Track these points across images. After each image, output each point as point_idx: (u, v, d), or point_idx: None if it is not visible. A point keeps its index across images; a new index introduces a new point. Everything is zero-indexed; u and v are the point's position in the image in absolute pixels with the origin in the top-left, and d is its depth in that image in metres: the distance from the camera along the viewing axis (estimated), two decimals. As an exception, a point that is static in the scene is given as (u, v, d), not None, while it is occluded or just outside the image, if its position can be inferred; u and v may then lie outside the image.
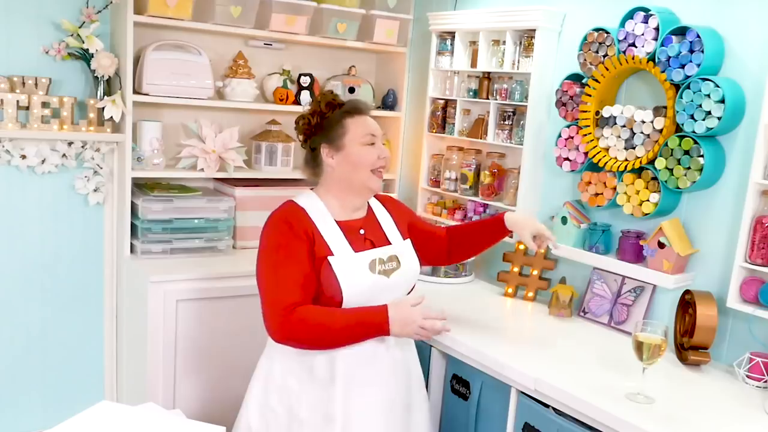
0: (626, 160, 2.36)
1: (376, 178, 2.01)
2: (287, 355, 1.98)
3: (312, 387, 1.95)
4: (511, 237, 2.27)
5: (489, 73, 2.93)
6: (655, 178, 2.32)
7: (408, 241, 2.13)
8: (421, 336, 1.90)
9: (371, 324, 1.88)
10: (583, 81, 2.53)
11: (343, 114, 2.01)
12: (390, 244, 2.07)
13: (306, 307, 1.87)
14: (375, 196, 2.17)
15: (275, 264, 1.91)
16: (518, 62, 2.79)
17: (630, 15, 2.34)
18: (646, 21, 2.28)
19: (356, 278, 1.94)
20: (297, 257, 1.91)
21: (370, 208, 2.12)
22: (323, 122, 2.02)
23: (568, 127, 2.56)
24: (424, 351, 2.33)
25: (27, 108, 2.71)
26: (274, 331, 1.87)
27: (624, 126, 2.38)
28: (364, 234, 2.04)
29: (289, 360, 1.98)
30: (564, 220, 2.59)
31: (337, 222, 2.00)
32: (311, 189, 2.09)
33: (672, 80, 2.21)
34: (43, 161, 2.84)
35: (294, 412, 1.96)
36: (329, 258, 1.92)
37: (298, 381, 1.96)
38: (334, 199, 2.03)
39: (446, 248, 2.27)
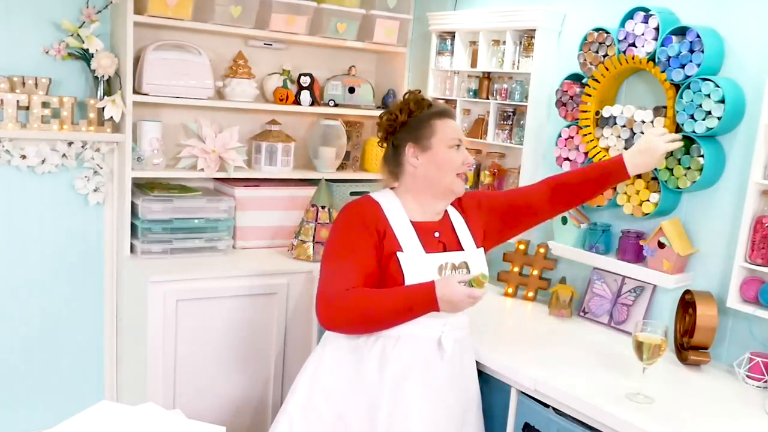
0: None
1: (460, 181, 1.99)
2: (338, 355, 1.98)
3: (361, 389, 1.93)
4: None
5: (489, 73, 2.93)
6: (655, 178, 2.32)
7: (481, 249, 2.07)
8: (467, 307, 1.88)
9: (420, 304, 1.85)
10: (583, 81, 2.53)
11: (431, 115, 1.99)
12: (462, 250, 2.03)
13: (354, 290, 1.86)
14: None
15: (336, 254, 1.92)
16: (518, 62, 2.79)
17: (630, 15, 2.34)
18: (646, 21, 2.28)
19: (423, 278, 1.89)
20: (360, 250, 1.90)
21: (446, 212, 2.08)
22: (410, 120, 2.00)
23: (568, 127, 2.56)
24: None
25: (27, 108, 2.71)
26: (321, 316, 1.88)
27: (624, 126, 2.38)
28: (438, 237, 2.01)
29: (339, 361, 1.97)
30: (564, 220, 2.59)
31: (412, 222, 1.98)
32: (390, 188, 2.06)
33: (672, 80, 2.21)
34: (43, 161, 2.84)
35: (341, 413, 1.94)
36: (398, 254, 1.90)
37: (347, 383, 1.95)
38: (412, 201, 2.01)
39: (546, 202, 2.17)
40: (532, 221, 2.23)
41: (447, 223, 2.06)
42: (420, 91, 2.06)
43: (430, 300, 1.83)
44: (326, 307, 1.88)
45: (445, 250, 2.00)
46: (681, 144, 2.16)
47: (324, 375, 1.99)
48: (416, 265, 1.91)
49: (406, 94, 2.05)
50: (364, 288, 1.88)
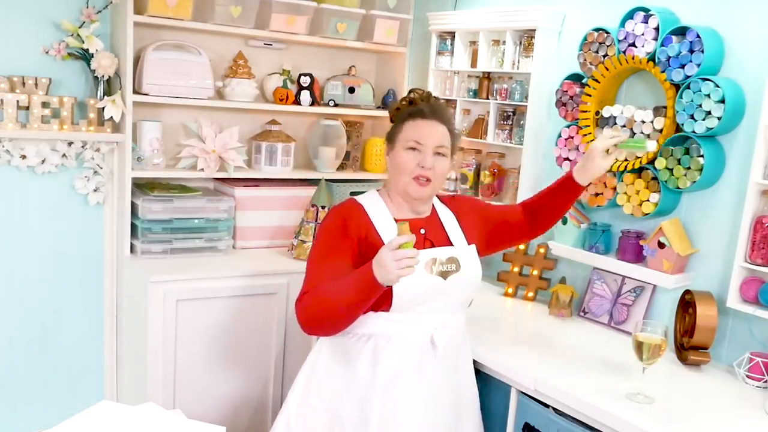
0: (626, 160, 2.36)
1: (416, 186, 1.95)
2: (332, 354, 1.98)
3: (353, 388, 1.93)
4: (587, 189, 2.15)
5: (489, 73, 2.93)
6: (655, 178, 2.32)
7: (473, 246, 2.04)
8: (402, 272, 1.73)
9: (360, 279, 1.79)
10: (583, 81, 2.53)
11: (406, 115, 1.99)
12: (452, 245, 2.01)
13: (310, 292, 1.87)
14: (440, 199, 2.13)
15: (314, 257, 1.94)
16: (518, 62, 2.79)
17: (630, 15, 2.34)
18: (646, 21, 2.28)
19: (410, 276, 1.80)
20: (336, 254, 1.90)
21: (434, 209, 2.08)
22: (394, 118, 2.04)
23: (568, 127, 2.56)
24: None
25: (27, 108, 2.71)
26: (297, 319, 1.91)
27: (624, 126, 2.37)
28: (424, 234, 2.00)
29: (334, 359, 1.97)
30: (564, 220, 2.59)
31: (396, 220, 1.97)
32: (377, 189, 2.08)
33: (672, 80, 2.21)
34: (43, 161, 2.84)
35: (336, 412, 1.95)
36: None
37: (341, 381, 1.95)
38: (391, 199, 2.02)
39: (525, 224, 2.19)
40: (513, 241, 2.28)
41: (434, 220, 2.05)
42: (422, 91, 2.04)
43: (368, 273, 1.76)
44: (296, 310, 1.91)
45: (432, 246, 1.99)
46: (621, 138, 2.05)
47: (319, 373, 2.00)
48: None
49: (410, 90, 2.07)
50: (321, 287, 1.87)
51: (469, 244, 2.05)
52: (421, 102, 2.01)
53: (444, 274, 1.93)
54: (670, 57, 2.21)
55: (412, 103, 2.02)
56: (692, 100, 2.15)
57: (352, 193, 3.21)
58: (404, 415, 1.92)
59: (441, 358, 1.96)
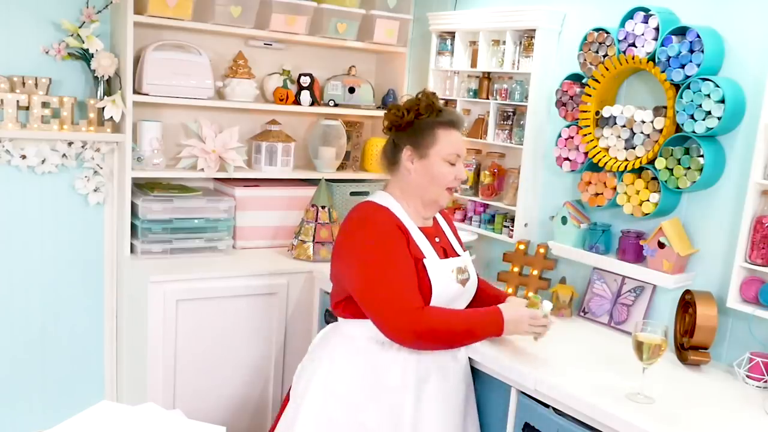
0: (626, 160, 2.36)
1: (448, 195, 2.02)
2: (355, 363, 1.96)
3: (381, 394, 1.93)
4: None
5: (489, 73, 2.93)
6: (655, 178, 2.32)
7: (468, 252, 2.15)
8: (535, 331, 1.99)
9: (490, 327, 1.93)
10: (583, 81, 2.52)
11: (437, 123, 1.97)
12: (457, 255, 2.09)
13: (430, 309, 1.89)
14: None
15: (388, 265, 1.87)
16: (518, 62, 2.79)
17: (630, 15, 2.33)
18: (646, 21, 2.28)
19: (445, 284, 1.95)
20: (405, 256, 1.90)
21: (435, 218, 2.14)
22: (416, 122, 1.97)
23: (568, 127, 2.56)
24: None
25: (27, 108, 2.71)
26: (406, 333, 1.86)
27: (624, 126, 2.37)
28: (439, 242, 2.04)
29: (357, 368, 1.96)
30: (564, 220, 2.59)
31: (419, 228, 2.01)
32: (383, 190, 2.07)
33: (672, 80, 2.21)
34: (43, 161, 2.84)
35: (361, 420, 1.93)
36: (424, 261, 1.93)
37: (367, 389, 1.94)
38: (407, 206, 2.02)
39: None
40: None
41: (439, 228, 2.12)
42: (434, 94, 2.03)
43: (498, 325, 1.92)
44: (411, 325, 1.86)
45: (446, 255, 2.03)
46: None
47: (335, 384, 1.97)
48: (438, 271, 1.95)
49: (419, 93, 2.03)
50: (438, 308, 1.92)
51: (464, 250, 2.15)
52: (445, 110, 2.01)
53: (463, 282, 2.02)
54: (670, 57, 2.21)
55: (432, 109, 1.98)
56: (692, 100, 2.15)
57: (353, 194, 3.23)
58: (433, 417, 1.95)
59: (460, 358, 2.04)
